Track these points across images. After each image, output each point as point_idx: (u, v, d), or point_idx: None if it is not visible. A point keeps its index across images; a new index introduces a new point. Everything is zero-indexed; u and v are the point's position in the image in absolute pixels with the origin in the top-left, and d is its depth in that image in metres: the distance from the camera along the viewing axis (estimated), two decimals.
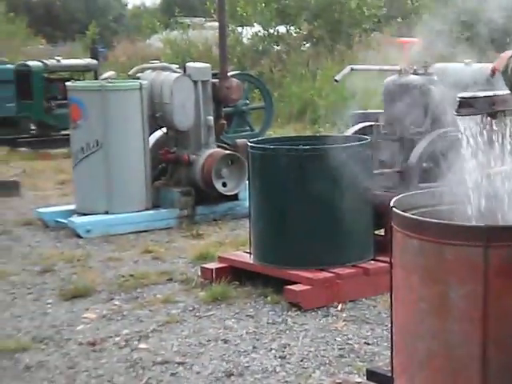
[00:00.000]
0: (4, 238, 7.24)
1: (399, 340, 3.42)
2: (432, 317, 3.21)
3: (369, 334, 4.81)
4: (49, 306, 5.46)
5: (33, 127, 13.30)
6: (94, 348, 4.71)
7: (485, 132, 3.50)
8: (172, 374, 4.33)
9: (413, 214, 3.36)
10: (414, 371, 3.34)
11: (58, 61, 13.55)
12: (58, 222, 7.50)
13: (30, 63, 13.25)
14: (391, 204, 3.41)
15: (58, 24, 35.44)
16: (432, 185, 4.28)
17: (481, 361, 3.12)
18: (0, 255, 6.70)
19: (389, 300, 3.50)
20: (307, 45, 18.21)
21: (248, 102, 11.88)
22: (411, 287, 3.30)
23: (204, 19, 24.30)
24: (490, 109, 3.43)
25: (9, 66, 13.55)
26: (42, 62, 13.26)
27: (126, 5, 42.14)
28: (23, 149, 12.26)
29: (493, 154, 3.44)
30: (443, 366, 3.21)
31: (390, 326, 3.51)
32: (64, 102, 10.88)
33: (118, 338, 4.83)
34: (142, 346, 4.73)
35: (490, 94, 3.44)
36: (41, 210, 7.83)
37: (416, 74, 6.16)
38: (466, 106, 3.54)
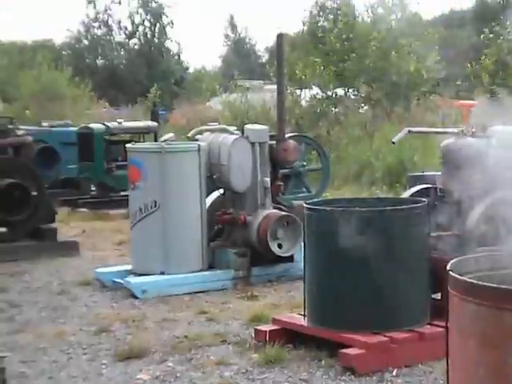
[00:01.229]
0: (62, 298, 7.29)
1: None
2: None
3: None
4: (103, 366, 5.46)
5: (93, 188, 13.48)
6: None
7: None
8: None
9: (470, 278, 3.31)
10: None
11: (120, 123, 13.79)
12: (115, 282, 7.53)
13: (93, 125, 13.51)
14: (448, 267, 3.38)
15: (121, 87, 36.13)
16: (490, 248, 4.22)
17: None
18: (58, 315, 6.75)
19: (445, 366, 3.43)
20: (365, 107, 18.25)
21: (305, 163, 11.94)
22: (468, 353, 3.24)
23: (263, 82, 24.59)
24: None
25: (72, 128, 13.81)
26: (104, 125, 13.52)
27: (188, 68, 42.81)
28: (83, 209, 12.42)
29: None
30: None
31: None
32: (124, 163, 11.07)
33: None
34: None
35: None
36: (99, 270, 7.89)
37: (474, 137, 6.13)
38: None
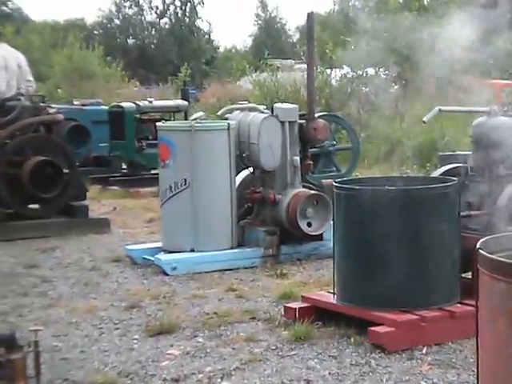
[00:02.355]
0: (94, 274, 7.36)
1: None
2: None
3: (454, 378, 4.72)
4: (135, 341, 5.50)
5: (124, 166, 13.54)
6: None
7: None
8: None
9: (500, 257, 3.29)
10: None
11: (150, 102, 13.82)
12: (145, 259, 7.59)
13: (123, 104, 13.55)
14: (478, 246, 3.37)
15: (152, 66, 36.19)
16: None
17: None
18: (89, 290, 6.82)
19: (475, 344, 3.42)
20: (396, 86, 18.16)
21: (335, 142, 11.92)
22: (498, 332, 3.23)
23: (293, 61, 24.51)
24: None
25: (103, 107, 13.87)
26: (135, 104, 13.54)
27: (218, 48, 42.81)
28: (114, 187, 12.48)
29: None
30: None
31: (476, 371, 3.44)
32: (154, 141, 11.10)
33: (201, 375, 4.84)
34: (225, 383, 4.74)
35: None
36: (129, 247, 7.96)
37: (506, 116, 6.09)
38: None
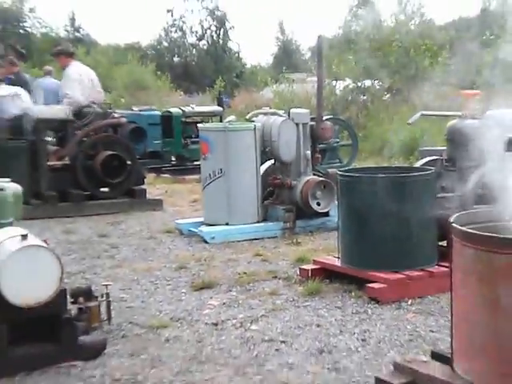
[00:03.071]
0: (150, 242, 7.41)
1: (458, 329, 3.38)
2: (485, 312, 3.16)
3: (433, 323, 4.76)
4: (182, 294, 5.57)
5: (173, 159, 13.57)
6: (216, 327, 4.79)
7: None
8: (276, 350, 4.37)
9: (469, 229, 3.33)
10: (470, 355, 3.30)
11: (193, 108, 13.85)
12: (190, 230, 7.62)
13: (172, 110, 13.58)
14: (451, 220, 3.41)
15: (193, 79, 36.06)
16: (483, 206, 4.22)
17: None
18: (147, 255, 6.88)
19: (449, 297, 3.46)
20: (387, 95, 18.03)
21: (338, 140, 11.91)
22: (468, 287, 3.27)
23: (305, 75, 24.40)
24: None
25: (156, 112, 13.90)
26: (181, 109, 13.57)
27: (246, 64, 42.55)
28: (165, 175, 12.52)
29: None
30: (493, 353, 3.16)
31: (450, 317, 3.47)
32: (196, 139, 11.16)
33: (234, 321, 4.90)
34: (253, 327, 4.78)
35: None
36: (178, 221, 8.00)
37: (473, 119, 6.08)
38: None
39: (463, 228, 3.33)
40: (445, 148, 6.40)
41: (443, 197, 5.78)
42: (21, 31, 39.37)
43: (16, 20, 39.72)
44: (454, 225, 3.37)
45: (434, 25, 20.06)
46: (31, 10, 41.23)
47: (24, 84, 11.73)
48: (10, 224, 4.48)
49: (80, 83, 9.60)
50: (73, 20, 43.03)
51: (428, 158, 6.28)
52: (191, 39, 41.91)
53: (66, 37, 38.63)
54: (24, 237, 4.13)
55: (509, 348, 3.10)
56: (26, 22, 40.96)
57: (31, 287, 4.05)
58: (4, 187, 4.53)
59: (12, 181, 4.71)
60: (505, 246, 3.08)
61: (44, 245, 4.19)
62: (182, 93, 28.73)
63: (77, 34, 42.14)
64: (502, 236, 3.23)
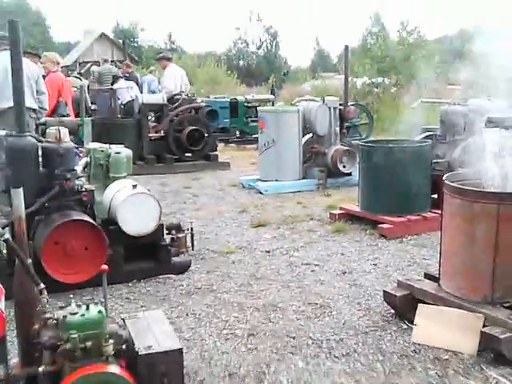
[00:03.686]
0: (221, 193, 7.40)
1: (444, 257, 3.34)
2: (466, 243, 3.16)
3: (426, 253, 4.70)
4: (244, 230, 5.58)
5: (237, 133, 13.50)
6: (268, 254, 4.80)
7: (501, 139, 3.41)
8: (312, 271, 4.37)
9: (457, 184, 3.28)
10: (452, 275, 3.31)
11: (253, 96, 13.74)
12: (250, 185, 7.59)
13: (237, 97, 13.47)
14: (444, 178, 3.36)
15: (253, 76, 35.73)
16: (466, 169, 4.10)
17: (491, 270, 3.09)
18: (219, 201, 6.88)
19: (439, 234, 3.39)
20: (394, 88, 17.61)
21: (359, 120, 11.67)
22: (454, 226, 3.25)
23: (334, 73, 23.97)
24: (504, 125, 3.38)
25: (226, 99, 13.81)
26: (244, 97, 13.46)
27: (291, 66, 42.06)
28: (232, 145, 12.48)
29: (504, 151, 3.36)
30: (470, 272, 3.16)
31: (439, 249, 3.40)
32: (255, 119, 11.06)
33: (281, 249, 4.91)
34: (295, 254, 4.78)
35: (504, 116, 3.43)
36: (241, 178, 7.97)
37: (459, 105, 5.89)
38: (491, 122, 3.46)
39: (452, 183, 3.28)
40: (438, 127, 6.21)
41: (437, 162, 5.64)
42: (135, 44, 40.92)
43: (132, 36, 41.54)
44: (445, 181, 3.31)
45: (426, 39, 19.48)
46: (142, 30, 43.71)
47: (135, 79, 11.99)
48: (124, 177, 4.52)
49: (174, 79, 9.70)
50: (170, 36, 43.93)
51: (426, 133, 6.11)
52: (252, 48, 41.57)
53: (165, 47, 39.10)
54: (134, 186, 4.17)
55: (481, 269, 3.10)
56: (138, 38, 42.91)
57: (139, 222, 4.10)
58: (120, 151, 4.55)
59: (125, 147, 4.73)
60: (480, 197, 3.10)
61: (148, 192, 4.21)
62: (244, 86, 28.51)
63: (172, 45, 42.50)
64: (478, 189, 3.23)
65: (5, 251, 3.61)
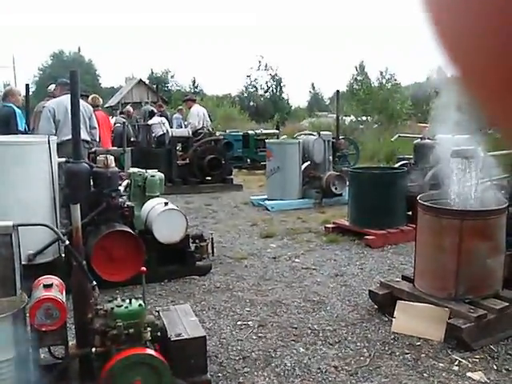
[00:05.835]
0: (235, 209, 7.40)
1: (418, 262, 3.35)
2: (435, 252, 3.17)
3: (403, 259, 4.70)
4: (255, 239, 5.59)
5: (248, 161, 13.56)
6: (275, 260, 4.81)
7: (463, 166, 3.44)
8: (310, 273, 4.38)
9: (428, 204, 3.29)
10: (423, 276, 3.31)
11: (261, 131, 13.80)
12: (259, 203, 7.58)
13: (249, 132, 13.54)
14: (418, 198, 3.38)
15: (261, 114, 35.93)
16: (435, 191, 4.13)
17: (455, 272, 3.09)
18: (233, 217, 6.87)
19: (413, 244, 3.42)
20: (376, 125, 17.69)
21: (348, 150, 11.67)
22: (425, 237, 3.26)
23: (327, 113, 24.09)
24: (465, 156, 3.42)
25: (240, 133, 13.89)
26: (254, 132, 13.54)
27: (292, 106, 42.30)
28: (244, 170, 12.52)
29: (466, 177, 3.39)
30: (439, 274, 3.16)
31: (413, 256, 3.41)
32: (263, 149, 11.06)
33: (285, 256, 4.92)
34: (297, 260, 4.79)
35: (466, 148, 3.47)
36: (252, 197, 7.97)
37: (429, 139, 5.94)
38: (455, 154, 3.49)
39: (424, 202, 3.30)
40: (412, 156, 6.26)
41: (411, 185, 5.67)
42: (165, 88, 41.47)
43: (163, 82, 42.30)
44: (419, 201, 3.34)
45: (401, 85, 19.68)
46: (172, 77, 44.66)
47: (166, 117, 12.12)
48: (158, 196, 4.58)
49: (198, 116, 9.81)
50: (194, 81, 44.52)
51: (402, 162, 6.16)
52: (260, 92, 41.91)
53: (190, 91, 39.60)
54: (166, 204, 4.22)
55: (447, 271, 3.11)
56: (168, 83, 43.74)
57: (170, 232, 4.14)
58: (154, 175, 4.62)
59: (158, 171, 4.80)
60: (447, 213, 3.13)
61: (177, 208, 4.26)
62: (254, 122, 28.69)
63: (195, 88, 43.00)
64: (445, 207, 3.25)
65: (63, 255, 3.67)
